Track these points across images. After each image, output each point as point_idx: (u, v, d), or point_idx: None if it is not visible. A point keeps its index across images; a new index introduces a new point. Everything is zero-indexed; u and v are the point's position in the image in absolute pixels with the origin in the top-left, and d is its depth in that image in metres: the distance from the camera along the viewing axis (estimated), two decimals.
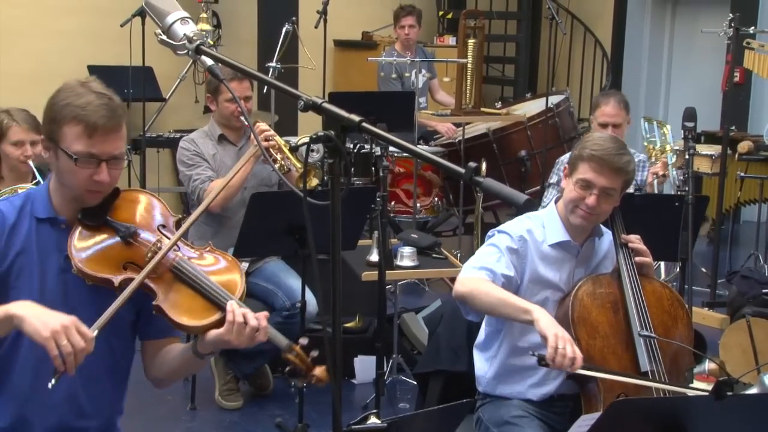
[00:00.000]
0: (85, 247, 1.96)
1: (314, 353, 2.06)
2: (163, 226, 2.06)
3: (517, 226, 2.59)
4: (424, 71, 5.81)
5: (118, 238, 1.99)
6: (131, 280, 1.92)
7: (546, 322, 2.30)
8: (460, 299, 2.49)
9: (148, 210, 2.08)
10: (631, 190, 4.11)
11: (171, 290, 1.97)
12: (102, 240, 1.98)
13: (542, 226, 2.60)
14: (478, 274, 2.47)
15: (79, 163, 1.91)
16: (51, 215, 2.00)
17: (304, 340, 2.07)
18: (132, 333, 2.11)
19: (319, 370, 2.03)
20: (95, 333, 1.83)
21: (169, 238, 2.01)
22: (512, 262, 2.52)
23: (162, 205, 2.11)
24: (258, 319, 1.95)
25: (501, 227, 2.62)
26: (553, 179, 4.06)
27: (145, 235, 2.02)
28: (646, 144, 4.84)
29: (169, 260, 1.99)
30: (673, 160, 4.41)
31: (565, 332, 2.30)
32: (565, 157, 3.98)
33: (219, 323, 1.95)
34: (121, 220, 2.02)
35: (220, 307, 1.95)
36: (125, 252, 1.99)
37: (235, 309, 1.93)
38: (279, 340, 2.03)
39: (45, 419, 2.00)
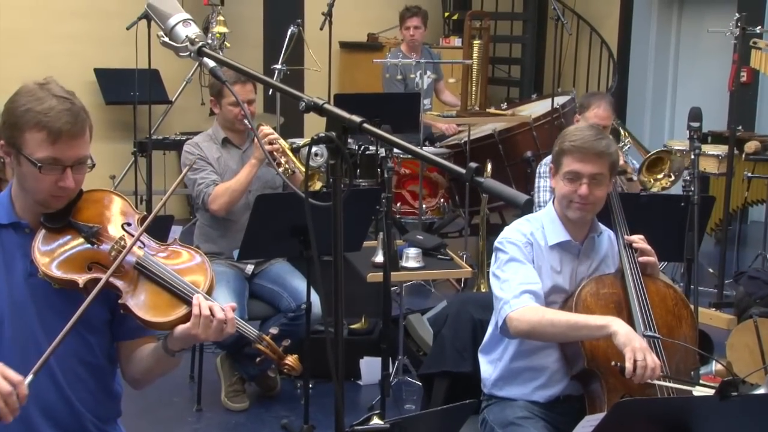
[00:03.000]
0: (49, 250, 1.94)
1: (285, 343, 2.06)
2: (128, 224, 2.03)
3: (519, 232, 2.58)
4: (429, 72, 5.81)
5: (81, 239, 1.97)
6: (97, 280, 1.90)
7: (624, 335, 2.29)
8: (525, 336, 2.48)
9: (111, 209, 2.05)
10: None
11: (136, 288, 1.95)
12: (66, 242, 1.96)
13: (542, 228, 2.59)
14: (522, 301, 2.44)
15: (43, 170, 1.88)
16: (13, 220, 1.97)
17: (274, 330, 2.07)
18: (109, 333, 2.08)
19: (291, 359, 2.03)
20: (29, 378, 1.78)
21: (133, 236, 1.98)
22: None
23: (125, 202, 2.08)
24: (225, 311, 1.93)
25: (505, 237, 2.58)
26: (542, 183, 3.99)
27: (109, 234, 2.00)
28: None
29: (134, 257, 1.97)
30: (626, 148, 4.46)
31: (642, 341, 2.29)
32: (546, 161, 3.98)
33: (186, 318, 1.93)
34: (84, 220, 1.99)
35: (187, 302, 1.94)
36: (89, 252, 1.97)
37: (201, 302, 1.92)
38: (248, 331, 2.03)
39: (44, 415, 1.98)
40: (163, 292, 1.96)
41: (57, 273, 1.91)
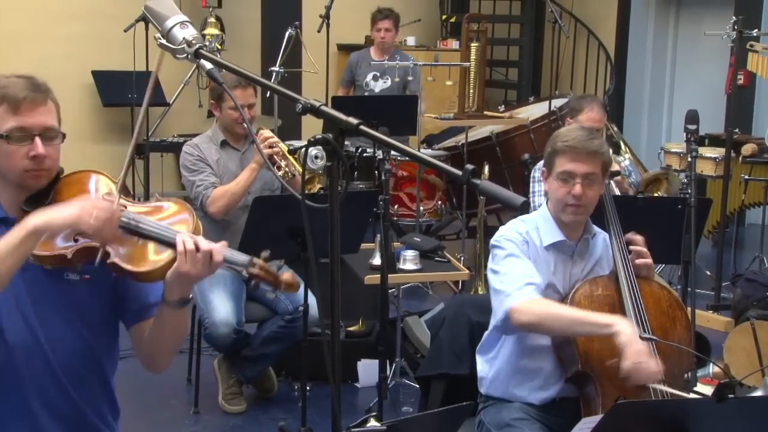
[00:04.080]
0: None
1: (279, 262, 2.00)
2: (108, 194, 2.04)
3: (514, 231, 2.58)
4: (387, 77, 5.82)
5: None
6: (85, 249, 1.92)
7: (627, 336, 2.28)
8: (527, 329, 2.48)
9: (90, 184, 2.07)
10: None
11: (122, 245, 1.96)
12: None
13: (536, 228, 2.60)
14: (526, 293, 2.43)
15: (11, 141, 1.90)
16: (1, 215, 1.98)
17: (265, 253, 2.03)
18: (108, 329, 2.09)
19: (286, 275, 2.00)
20: (117, 195, 1.92)
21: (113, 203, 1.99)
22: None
23: (104, 176, 2.09)
24: (209, 242, 1.93)
25: (502, 235, 2.59)
26: (536, 187, 4.00)
27: None
28: None
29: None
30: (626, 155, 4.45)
31: (643, 345, 2.29)
32: (540, 166, 3.99)
33: (174, 261, 1.93)
34: (65, 200, 2.00)
35: (172, 245, 1.94)
36: None
37: (185, 238, 1.92)
38: (238, 257, 2.01)
39: (49, 413, 2.00)
40: (147, 242, 1.97)
41: (45, 252, 1.92)
